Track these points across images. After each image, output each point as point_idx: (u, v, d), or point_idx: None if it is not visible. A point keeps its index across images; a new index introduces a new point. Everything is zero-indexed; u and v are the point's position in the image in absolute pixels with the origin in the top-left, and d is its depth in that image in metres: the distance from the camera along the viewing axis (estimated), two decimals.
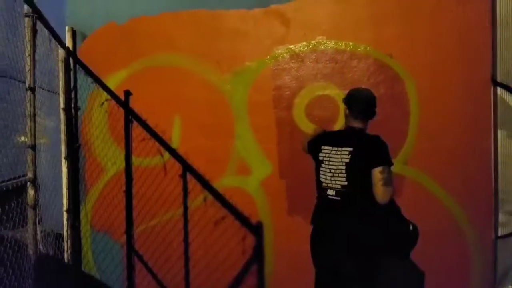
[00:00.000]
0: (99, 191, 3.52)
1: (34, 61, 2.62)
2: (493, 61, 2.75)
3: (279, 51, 3.16)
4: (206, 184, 3.30)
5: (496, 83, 2.72)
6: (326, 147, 2.38)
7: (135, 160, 3.47)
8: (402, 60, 2.95)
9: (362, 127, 2.37)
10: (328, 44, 3.07)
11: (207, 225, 3.31)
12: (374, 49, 2.99)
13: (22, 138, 2.81)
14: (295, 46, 3.13)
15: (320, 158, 2.39)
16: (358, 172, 2.20)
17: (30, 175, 2.56)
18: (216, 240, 3.29)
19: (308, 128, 3.08)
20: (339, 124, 3.00)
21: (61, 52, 3.41)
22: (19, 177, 3.25)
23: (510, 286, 3.07)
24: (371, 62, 3.00)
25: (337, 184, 2.25)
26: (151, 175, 3.42)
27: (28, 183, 2.57)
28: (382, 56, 2.98)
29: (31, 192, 2.56)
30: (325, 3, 3.08)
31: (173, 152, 3.36)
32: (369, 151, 2.22)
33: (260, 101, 3.18)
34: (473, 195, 2.90)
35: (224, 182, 3.27)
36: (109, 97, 3.43)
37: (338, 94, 3.06)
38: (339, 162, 2.25)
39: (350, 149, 2.24)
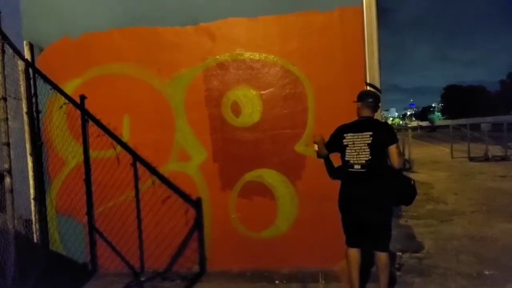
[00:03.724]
0: (62, 181, 4.16)
1: (4, 76, 3.21)
2: (364, 67, 3.72)
3: (208, 60, 3.95)
4: (153, 170, 4.05)
5: (366, 83, 3.69)
6: (349, 134, 3.22)
7: (92, 153, 4.15)
8: (301, 67, 3.83)
9: (373, 116, 3.28)
10: (246, 55, 3.90)
11: (156, 203, 4.07)
12: (281, 59, 3.86)
13: None
14: (220, 56, 3.93)
15: (345, 143, 3.21)
16: (378, 149, 3.07)
17: (6, 166, 3.18)
18: (164, 214, 4.06)
19: (233, 120, 3.93)
20: (252, 117, 3.88)
21: (21, 64, 3.98)
22: None
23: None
24: (279, 69, 3.87)
25: (361, 159, 3.10)
26: (107, 165, 4.11)
27: (5, 173, 3.19)
28: (286, 64, 3.86)
29: (8, 180, 3.19)
30: (242, 22, 3.89)
31: (124, 145, 4.07)
32: (386, 134, 3.09)
33: (195, 101, 3.97)
34: None
35: (168, 168, 4.04)
36: (66, 101, 4.06)
37: (255, 94, 3.91)
38: (362, 143, 3.11)
39: (371, 133, 3.10)
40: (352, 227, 3.24)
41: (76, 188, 4.16)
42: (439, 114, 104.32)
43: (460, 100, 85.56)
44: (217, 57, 3.94)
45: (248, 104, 3.93)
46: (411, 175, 10.45)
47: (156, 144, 4.03)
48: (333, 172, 3.68)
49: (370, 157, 3.06)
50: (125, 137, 4.08)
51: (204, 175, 4.02)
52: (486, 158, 13.09)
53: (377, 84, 3.70)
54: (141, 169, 4.07)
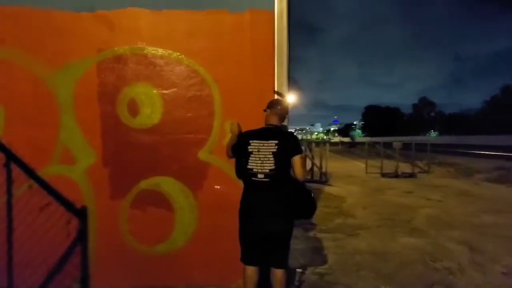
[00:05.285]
0: None
1: None
2: (273, 74, 3.56)
3: (104, 52, 3.51)
4: (30, 173, 3.47)
5: (275, 91, 3.53)
6: (254, 141, 2.97)
7: None
8: (208, 68, 3.57)
9: (280, 125, 3.14)
10: (147, 49, 3.53)
11: (32, 211, 3.48)
12: (186, 58, 3.56)
13: None
14: (118, 48, 3.52)
15: (249, 150, 2.96)
16: (282, 158, 2.88)
17: None
18: (41, 225, 3.49)
19: (129, 121, 3.52)
20: (152, 118, 3.53)
21: None
22: None
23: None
24: (184, 68, 3.56)
25: (265, 168, 2.87)
26: None
27: None
28: (193, 64, 3.56)
29: None
30: (145, 13, 3.52)
31: None
32: (291, 143, 2.94)
33: (86, 96, 3.49)
34: None
35: (49, 171, 3.49)
36: None
37: (156, 93, 3.55)
38: (267, 151, 2.89)
39: (276, 141, 2.90)
40: (250, 241, 3.01)
41: None
42: (359, 131, 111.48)
43: (378, 119, 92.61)
44: (115, 49, 3.52)
45: (148, 104, 3.56)
46: (326, 188, 10.75)
47: (35, 143, 3.47)
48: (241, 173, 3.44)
49: (274, 167, 2.88)
50: None
51: (91, 181, 3.54)
52: (396, 175, 13.93)
53: (285, 92, 3.56)
54: (15, 170, 3.46)
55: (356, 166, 18.51)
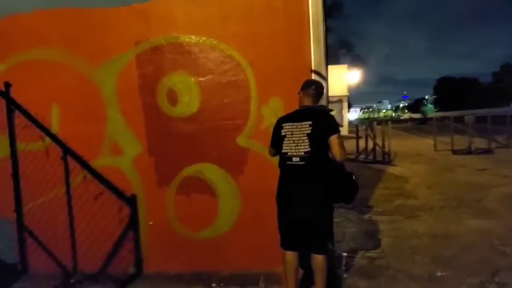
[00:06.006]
0: None
1: None
2: (309, 53, 3.39)
3: (142, 44, 3.59)
4: (84, 164, 3.72)
5: (312, 71, 3.37)
6: (287, 124, 2.92)
7: (19, 145, 3.80)
8: (243, 52, 3.50)
9: (314, 105, 3.00)
10: (182, 38, 3.55)
11: (88, 200, 3.75)
12: (221, 43, 3.52)
13: None
14: (154, 39, 3.58)
15: (283, 134, 2.91)
16: (318, 140, 2.76)
17: None
18: (97, 212, 3.74)
19: (169, 110, 3.60)
20: (190, 106, 3.57)
21: None
22: None
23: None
24: (219, 54, 3.53)
25: (300, 151, 2.79)
26: (35, 158, 3.77)
27: None
28: (227, 48, 3.52)
29: None
30: (180, 2, 3.54)
31: (53, 137, 3.73)
32: (326, 123, 2.81)
33: (128, 89, 3.62)
34: None
35: (99, 162, 3.71)
36: None
37: (193, 81, 3.58)
38: (301, 133, 2.81)
39: (310, 122, 2.80)
40: (287, 226, 2.94)
41: (3, 183, 3.82)
42: (431, 106, 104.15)
43: (453, 92, 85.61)
44: (152, 40, 3.59)
45: (186, 92, 3.60)
46: (389, 169, 10.24)
47: (86, 136, 3.68)
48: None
49: (309, 149, 2.76)
50: (54, 128, 3.73)
51: (138, 170, 3.69)
52: (469, 151, 12.85)
53: (323, 71, 3.39)
54: (72, 163, 3.74)
55: (425, 143, 17.37)
